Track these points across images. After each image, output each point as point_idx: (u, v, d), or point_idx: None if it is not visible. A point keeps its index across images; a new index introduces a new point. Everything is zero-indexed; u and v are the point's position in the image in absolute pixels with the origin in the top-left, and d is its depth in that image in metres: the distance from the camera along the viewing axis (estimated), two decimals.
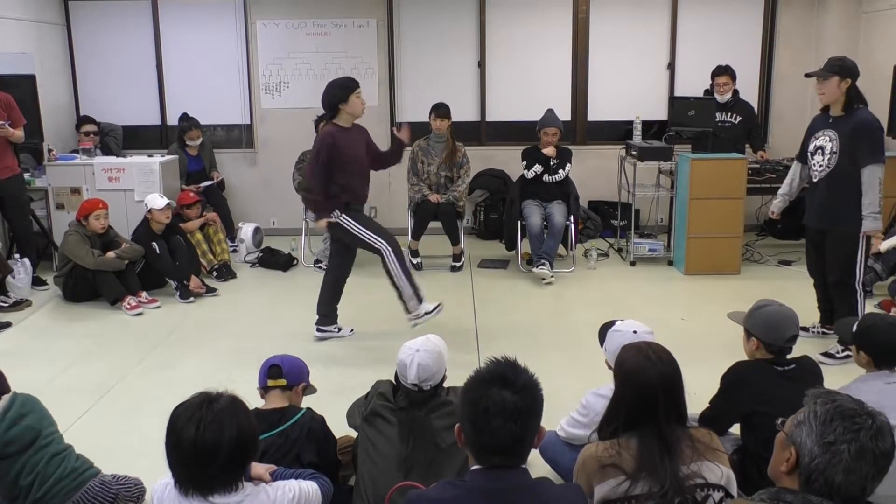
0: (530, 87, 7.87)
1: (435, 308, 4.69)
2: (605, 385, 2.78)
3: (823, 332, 4.82)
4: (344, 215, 4.64)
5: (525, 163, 6.59)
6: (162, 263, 5.85)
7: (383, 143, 7.91)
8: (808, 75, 4.62)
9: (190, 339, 5.10)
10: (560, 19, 7.83)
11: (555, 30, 7.85)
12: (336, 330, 5.00)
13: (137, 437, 3.67)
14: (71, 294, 5.77)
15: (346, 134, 4.64)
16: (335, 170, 4.60)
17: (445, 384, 2.82)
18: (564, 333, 5.06)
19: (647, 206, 7.48)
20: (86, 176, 6.51)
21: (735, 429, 2.98)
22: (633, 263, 6.69)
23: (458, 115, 7.01)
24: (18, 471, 2.72)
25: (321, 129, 4.71)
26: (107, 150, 7.36)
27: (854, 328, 3.03)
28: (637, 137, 6.97)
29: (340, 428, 3.09)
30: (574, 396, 3.09)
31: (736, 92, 6.99)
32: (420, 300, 4.67)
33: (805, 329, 4.40)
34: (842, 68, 4.32)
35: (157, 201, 5.89)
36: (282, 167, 7.33)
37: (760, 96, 7.95)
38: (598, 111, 8.03)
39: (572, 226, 6.55)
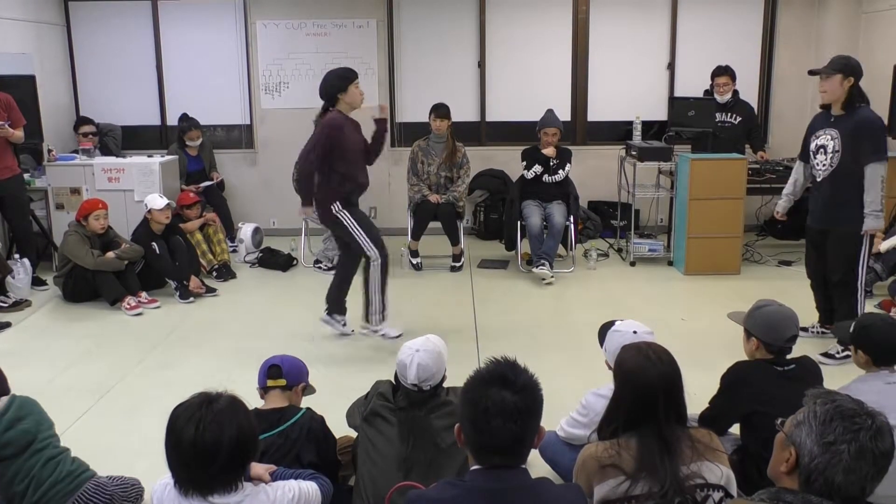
0: (530, 87, 7.87)
1: (396, 335, 4.69)
2: (605, 385, 2.78)
3: (823, 332, 4.82)
4: (345, 211, 4.61)
5: (525, 163, 6.59)
6: (162, 264, 5.85)
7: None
8: (811, 72, 4.60)
9: (190, 339, 5.10)
10: (560, 19, 7.83)
11: (555, 30, 7.85)
12: (341, 324, 4.97)
13: (137, 438, 3.67)
14: (71, 294, 5.77)
15: (348, 122, 4.64)
16: (337, 158, 4.55)
17: (445, 384, 2.82)
18: (564, 333, 5.06)
19: (647, 206, 7.48)
20: (85, 176, 6.51)
21: (735, 429, 2.98)
22: (632, 264, 6.69)
23: (458, 116, 7.01)
24: (13, 475, 2.70)
25: (325, 116, 4.62)
26: (106, 151, 7.36)
27: (851, 328, 3.04)
28: (637, 137, 6.97)
29: (340, 428, 3.09)
30: (574, 396, 3.09)
31: (736, 92, 6.99)
32: (383, 318, 4.69)
33: (805, 329, 4.40)
34: (846, 66, 4.31)
35: (157, 201, 5.89)
36: (282, 167, 7.33)
37: (760, 96, 7.95)
38: (598, 111, 8.03)
39: (572, 226, 6.55)
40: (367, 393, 2.94)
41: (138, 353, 4.82)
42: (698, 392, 2.86)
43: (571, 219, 6.54)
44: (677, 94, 7.79)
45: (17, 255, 5.96)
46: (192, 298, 5.82)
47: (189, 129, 7.26)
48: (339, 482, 2.92)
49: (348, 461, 3.00)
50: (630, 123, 7.24)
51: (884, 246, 5.35)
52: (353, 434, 3.03)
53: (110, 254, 5.66)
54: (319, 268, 6.67)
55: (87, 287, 5.69)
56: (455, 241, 6.68)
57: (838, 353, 4.41)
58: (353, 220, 4.59)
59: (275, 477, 2.40)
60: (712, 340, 4.67)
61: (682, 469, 2.13)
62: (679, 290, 6.06)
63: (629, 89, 7.86)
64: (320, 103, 4.69)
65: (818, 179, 4.52)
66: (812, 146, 4.54)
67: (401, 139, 8.01)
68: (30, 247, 6.12)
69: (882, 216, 4.36)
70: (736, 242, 6.31)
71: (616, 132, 7.98)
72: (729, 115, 6.91)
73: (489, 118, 8.04)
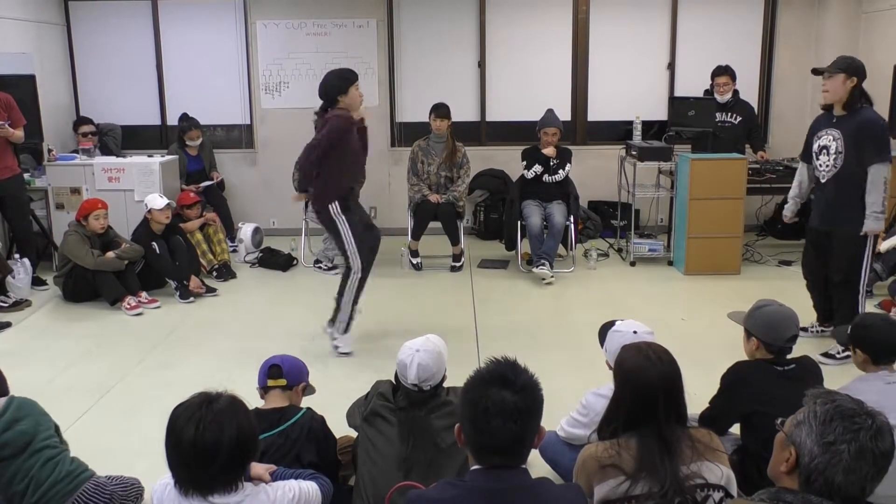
0: (530, 87, 7.87)
1: (346, 352, 4.69)
2: (605, 385, 2.78)
3: (822, 331, 4.82)
4: (343, 216, 4.59)
5: (525, 163, 6.59)
6: (162, 263, 5.85)
7: (383, 143, 7.96)
8: (814, 71, 4.55)
9: (190, 339, 5.10)
10: (560, 19, 7.83)
11: (555, 30, 7.85)
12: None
13: (137, 437, 3.67)
14: (71, 294, 5.77)
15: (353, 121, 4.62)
16: (341, 154, 4.51)
17: (445, 384, 2.82)
18: (564, 333, 5.06)
19: (647, 206, 7.48)
20: (86, 176, 6.51)
21: (735, 429, 2.98)
22: (633, 263, 6.69)
23: (458, 115, 7.01)
24: (12, 475, 2.70)
25: (328, 113, 4.55)
26: (106, 150, 7.36)
27: (849, 329, 3.04)
28: (637, 137, 6.97)
29: (340, 428, 3.09)
30: (574, 396, 3.09)
31: (736, 92, 6.99)
32: (346, 330, 4.69)
33: (804, 329, 4.39)
34: (849, 67, 4.29)
35: (157, 201, 5.89)
36: (282, 167, 7.32)
37: (760, 96, 7.95)
38: (598, 111, 8.03)
39: (572, 226, 6.55)
40: (368, 393, 2.94)
41: (138, 353, 4.82)
42: (698, 392, 2.86)
43: (571, 219, 6.54)
44: (677, 94, 7.79)
45: (17, 255, 5.96)
46: (192, 298, 5.82)
47: (189, 129, 7.26)
48: (339, 482, 2.92)
49: (348, 461, 3.00)
50: (630, 123, 7.24)
51: (884, 246, 5.34)
52: (354, 434, 3.03)
53: (110, 254, 5.66)
54: (319, 268, 6.67)
55: (87, 287, 5.69)
56: (455, 241, 6.68)
57: (838, 353, 4.41)
58: (347, 228, 4.56)
59: (275, 477, 2.40)
60: (712, 340, 4.67)
61: (682, 469, 2.13)
62: (679, 290, 6.06)
63: (629, 89, 7.86)
64: (320, 103, 4.67)
65: (821, 181, 4.50)
66: (815, 147, 4.52)
67: (401, 139, 8.01)
68: (30, 247, 6.13)
69: (883, 218, 4.35)
70: (736, 242, 6.31)
71: (616, 132, 7.98)
72: (729, 114, 6.91)
73: (489, 118, 8.04)
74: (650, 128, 7.37)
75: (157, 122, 8.04)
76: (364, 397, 2.97)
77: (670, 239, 6.83)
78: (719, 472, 2.19)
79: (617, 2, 7.78)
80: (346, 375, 4.31)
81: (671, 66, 7.88)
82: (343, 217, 4.55)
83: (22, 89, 6.20)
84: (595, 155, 7.78)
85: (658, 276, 6.39)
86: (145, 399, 4.14)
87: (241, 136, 8.08)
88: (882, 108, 5.86)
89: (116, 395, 4.23)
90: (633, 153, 6.64)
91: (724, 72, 6.88)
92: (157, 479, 2.23)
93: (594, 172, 7.66)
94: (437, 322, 5.18)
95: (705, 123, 6.70)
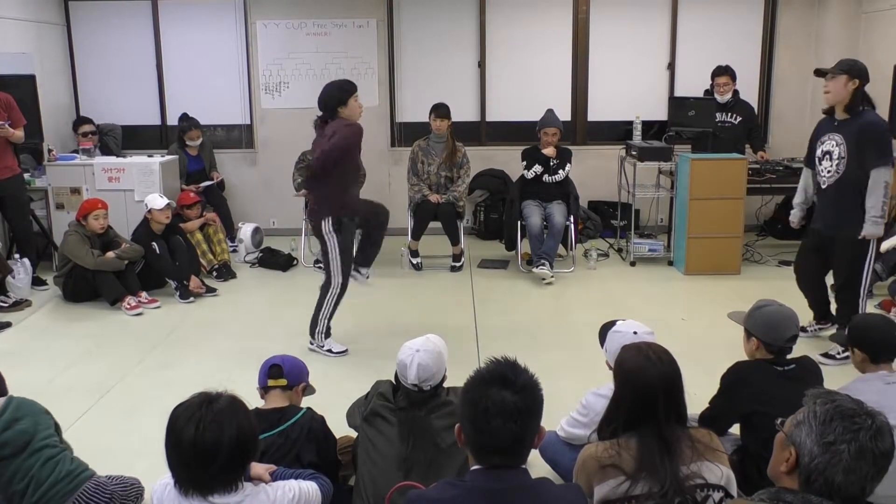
0: (530, 87, 7.87)
1: (341, 350, 4.72)
2: (605, 385, 2.78)
3: (819, 329, 4.82)
4: (334, 235, 4.55)
5: (525, 163, 6.59)
6: (162, 263, 5.85)
7: (383, 143, 7.96)
8: (817, 72, 4.51)
9: (190, 339, 5.10)
10: (560, 19, 7.83)
11: (555, 30, 7.85)
12: (365, 276, 4.96)
13: (137, 437, 3.67)
14: (71, 294, 5.77)
15: None
16: (343, 171, 4.51)
17: (445, 384, 2.82)
18: (564, 333, 5.06)
19: (647, 206, 7.48)
20: (86, 176, 6.51)
21: (735, 429, 2.98)
22: (633, 263, 6.69)
23: (458, 115, 7.01)
24: (12, 475, 2.70)
25: (335, 124, 4.48)
26: (106, 150, 7.36)
27: (847, 330, 3.04)
28: (637, 137, 6.97)
29: (340, 428, 3.09)
30: (574, 396, 3.09)
31: (736, 92, 6.99)
32: (327, 336, 4.74)
33: (803, 329, 4.39)
34: (852, 69, 4.28)
35: (157, 201, 5.89)
36: (282, 167, 7.33)
37: (760, 96, 7.95)
38: (598, 111, 8.03)
39: (572, 226, 6.56)
40: (368, 393, 2.94)
41: (138, 353, 4.82)
42: (698, 392, 2.86)
43: (571, 219, 6.54)
44: (677, 94, 7.79)
45: (17, 255, 5.96)
46: (192, 298, 5.82)
47: (189, 129, 7.26)
48: (339, 482, 2.93)
49: (348, 461, 3.00)
50: (630, 123, 7.24)
51: (884, 246, 5.34)
52: (354, 434, 3.03)
53: (110, 253, 5.66)
54: (319, 268, 6.60)
55: (87, 287, 5.69)
56: (455, 241, 6.68)
57: (838, 353, 4.41)
58: (336, 246, 4.57)
59: (275, 477, 2.40)
60: (712, 340, 4.68)
61: (682, 469, 2.14)
62: (679, 290, 6.06)
63: (629, 89, 7.86)
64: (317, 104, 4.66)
65: (823, 186, 4.47)
66: (818, 152, 4.50)
67: (401, 139, 8.01)
68: (30, 247, 6.12)
69: (882, 223, 4.28)
70: (736, 242, 6.31)
71: (616, 132, 7.98)
72: (729, 115, 6.91)
73: (489, 118, 8.04)
74: (650, 128, 7.37)
75: (157, 122, 8.04)
76: (364, 397, 2.97)
77: (670, 239, 6.83)
78: (719, 472, 2.19)
79: (617, 2, 7.78)
80: (346, 375, 4.31)
81: (671, 66, 7.88)
82: (334, 236, 4.56)
83: (22, 89, 6.20)
84: (595, 155, 7.78)
85: (658, 276, 6.39)
86: (145, 399, 4.14)
87: (241, 136, 8.08)
88: (882, 109, 5.86)
89: (116, 395, 4.23)
90: (633, 153, 6.64)
91: (724, 72, 6.88)
92: (157, 479, 2.23)
93: (594, 172, 7.66)
94: (437, 322, 5.18)
95: (705, 123, 6.69)
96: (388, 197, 7.70)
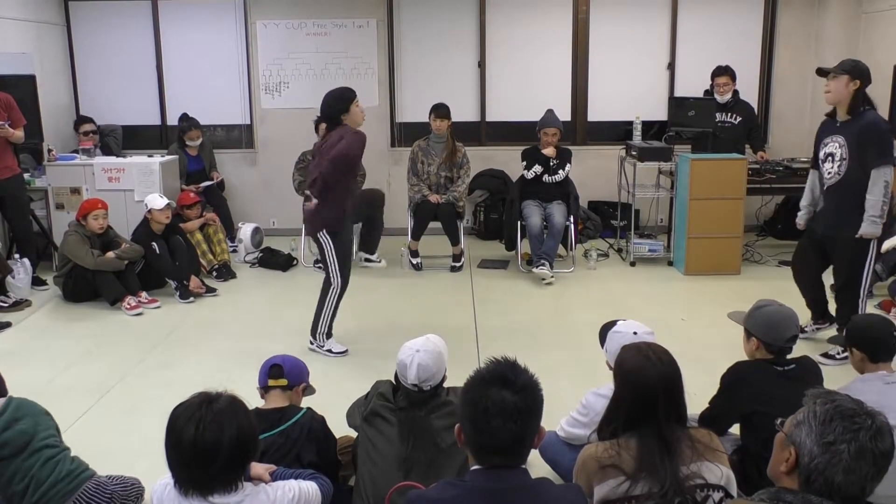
0: (530, 87, 7.87)
1: (341, 351, 4.73)
2: (605, 385, 2.78)
3: (817, 328, 4.82)
4: (330, 241, 4.55)
5: (525, 163, 6.59)
6: (162, 263, 5.85)
7: (383, 143, 7.96)
8: (819, 71, 4.51)
9: (190, 339, 5.10)
10: (560, 19, 7.83)
11: (555, 30, 7.85)
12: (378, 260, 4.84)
13: (137, 437, 3.67)
14: (71, 294, 5.77)
15: None
16: (348, 171, 4.52)
17: (445, 384, 2.82)
18: (564, 333, 5.06)
19: (647, 206, 7.48)
20: (86, 176, 6.51)
21: (735, 429, 2.98)
22: (633, 264, 6.69)
23: (458, 115, 7.01)
24: (12, 475, 2.70)
25: (341, 130, 4.47)
26: (107, 151, 7.37)
27: (845, 330, 3.04)
28: (637, 138, 6.97)
29: (340, 428, 3.09)
30: (574, 396, 3.09)
31: (736, 92, 6.99)
32: (328, 336, 4.74)
33: (802, 331, 4.39)
34: (853, 69, 4.28)
35: (157, 201, 5.89)
36: (282, 167, 7.33)
37: (760, 96, 7.95)
38: (598, 111, 8.03)
39: (572, 226, 6.55)
40: (368, 393, 2.94)
41: (138, 353, 4.82)
42: (698, 392, 2.86)
43: (571, 219, 6.54)
44: (677, 94, 7.79)
45: (17, 255, 5.96)
46: (192, 298, 5.82)
47: (189, 129, 7.26)
48: (339, 482, 2.93)
49: (348, 461, 3.00)
50: (630, 123, 7.24)
51: (884, 246, 5.34)
52: (354, 434, 3.03)
53: (110, 254, 5.66)
54: (319, 268, 6.64)
55: (87, 287, 5.69)
56: (455, 241, 6.68)
57: (838, 353, 4.41)
58: (333, 249, 4.58)
59: (275, 477, 2.40)
60: (712, 340, 4.68)
61: (682, 469, 2.14)
62: (679, 290, 6.06)
63: (629, 89, 7.86)
64: (320, 103, 4.65)
65: (825, 187, 4.48)
66: (821, 154, 4.50)
67: (401, 139, 8.01)
68: (30, 247, 6.12)
69: (880, 223, 4.27)
70: (736, 242, 6.31)
71: (616, 132, 7.98)
72: (729, 115, 6.91)
73: (489, 118, 8.04)
74: (650, 128, 7.37)
75: (157, 122, 8.04)
76: (364, 397, 2.97)
77: (670, 239, 6.83)
78: (719, 472, 2.19)
79: (617, 2, 7.78)
80: (346, 375, 4.31)
81: (671, 66, 7.88)
82: (330, 240, 4.57)
83: (22, 89, 6.20)
84: (595, 155, 7.78)
85: (658, 276, 6.39)
86: (145, 399, 4.14)
87: (241, 136, 8.08)
88: (882, 109, 5.85)
89: (116, 395, 4.23)
90: (633, 153, 6.64)
91: (724, 72, 6.88)
92: (157, 479, 2.23)
93: (594, 172, 7.66)
94: (437, 322, 5.18)
95: (705, 123, 6.69)
96: (388, 197, 7.71)
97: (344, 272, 4.64)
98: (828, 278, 4.75)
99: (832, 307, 4.74)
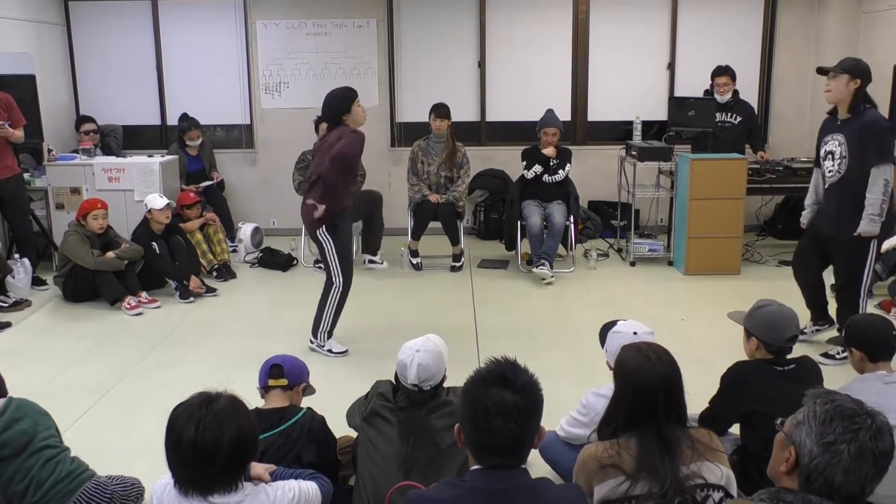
0: (530, 87, 7.87)
1: (341, 351, 4.73)
2: (605, 385, 2.78)
3: (817, 330, 4.82)
4: (329, 238, 4.55)
5: (525, 163, 6.59)
6: (162, 263, 5.85)
7: (383, 143, 7.96)
8: (819, 70, 4.51)
9: (190, 339, 5.10)
10: (560, 19, 7.83)
11: (555, 30, 7.85)
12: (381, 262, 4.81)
13: (137, 437, 3.67)
14: (71, 294, 5.77)
15: None
16: (348, 171, 4.53)
17: (445, 384, 2.82)
18: (564, 333, 5.06)
19: (647, 206, 7.48)
20: (86, 176, 6.51)
21: (735, 429, 2.98)
22: (633, 263, 6.69)
23: (458, 115, 7.01)
24: (12, 475, 2.70)
25: (340, 130, 4.48)
26: (107, 151, 7.37)
27: (844, 330, 3.04)
28: (637, 137, 6.97)
29: (340, 428, 3.09)
30: (574, 396, 3.09)
31: (736, 92, 6.99)
32: (329, 336, 4.74)
33: (802, 332, 4.38)
34: (854, 68, 4.28)
35: (157, 201, 5.89)
36: (282, 167, 7.33)
37: (760, 96, 7.95)
38: (598, 111, 8.03)
39: (572, 226, 6.56)
40: (368, 393, 2.94)
41: (138, 353, 4.82)
42: (698, 392, 2.86)
43: (571, 219, 6.54)
44: (677, 94, 7.78)
45: (17, 255, 5.96)
46: (192, 298, 5.82)
47: (189, 129, 7.26)
48: (339, 482, 2.93)
49: (348, 461, 3.00)
50: (630, 123, 7.24)
51: (885, 246, 5.34)
52: (354, 434, 3.03)
53: (110, 253, 5.66)
54: (319, 268, 6.64)
55: (87, 287, 5.69)
56: (455, 241, 6.68)
57: (838, 353, 4.41)
58: (332, 247, 4.58)
59: (275, 477, 2.40)
60: (712, 340, 4.68)
61: (682, 469, 2.14)
62: (679, 290, 6.06)
63: (629, 89, 7.86)
64: (320, 103, 4.65)
65: (826, 186, 4.48)
66: (821, 152, 4.50)
67: (401, 139, 8.01)
68: (30, 247, 6.12)
69: (879, 221, 4.27)
70: (736, 242, 6.31)
71: (616, 132, 7.98)
72: (729, 115, 6.91)
73: (489, 118, 8.04)
74: (650, 128, 7.37)
75: (157, 122, 8.04)
76: (364, 397, 2.97)
77: (670, 239, 6.83)
78: (719, 472, 2.19)
79: (617, 2, 7.78)
80: (346, 375, 4.31)
81: (671, 66, 7.88)
82: (330, 238, 4.57)
83: (22, 89, 6.20)
84: (595, 155, 7.78)
85: (658, 276, 6.39)
86: (145, 399, 4.14)
87: (241, 136, 8.08)
88: (882, 109, 5.85)
89: (116, 395, 4.22)
90: (633, 153, 6.64)
91: (724, 72, 6.88)
92: (157, 479, 2.23)
93: (594, 172, 7.66)
94: (437, 322, 5.18)
95: (705, 123, 6.69)
96: (388, 197, 7.72)
97: (345, 270, 4.63)
98: (828, 278, 4.75)
99: (832, 308, 4.74)
